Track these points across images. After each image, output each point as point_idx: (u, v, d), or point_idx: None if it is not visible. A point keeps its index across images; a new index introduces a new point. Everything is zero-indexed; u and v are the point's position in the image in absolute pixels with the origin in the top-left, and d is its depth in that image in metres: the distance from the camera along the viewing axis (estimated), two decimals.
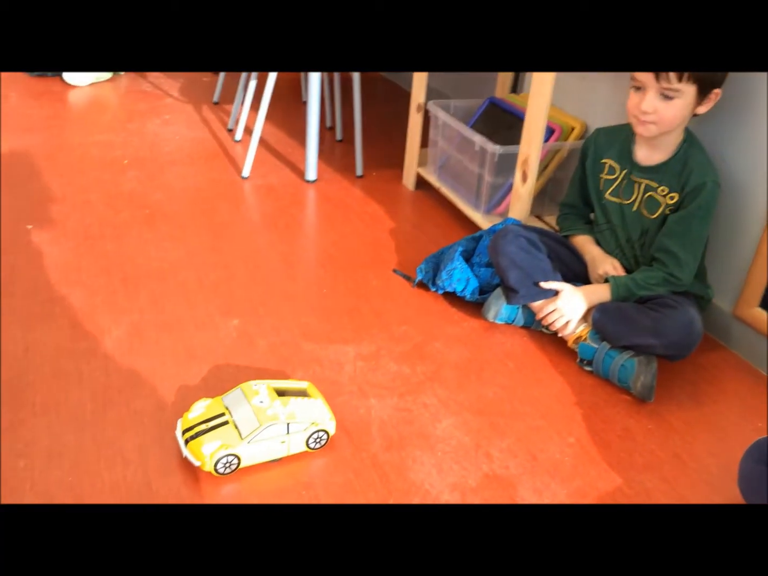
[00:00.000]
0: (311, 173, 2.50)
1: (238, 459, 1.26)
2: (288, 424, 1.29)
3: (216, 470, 1.25)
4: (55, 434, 1.32)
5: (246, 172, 2.49)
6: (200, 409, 1.33)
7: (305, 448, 1.33)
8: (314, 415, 1.33)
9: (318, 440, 1.33)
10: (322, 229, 2.25)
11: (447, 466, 1.34)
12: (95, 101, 3.12)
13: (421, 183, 2.49)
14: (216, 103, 3.26)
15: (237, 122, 2.85)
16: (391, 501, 1.25)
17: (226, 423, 1.29)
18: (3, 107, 2.90)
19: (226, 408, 1.32)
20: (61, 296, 1.71)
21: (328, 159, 2.69)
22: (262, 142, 2.78)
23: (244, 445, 1.26)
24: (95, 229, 2.03)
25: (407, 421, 1.44)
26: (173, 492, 1.22)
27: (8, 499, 1.17)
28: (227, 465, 1.25)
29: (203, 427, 1.28)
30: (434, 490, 1.28)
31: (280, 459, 1.31)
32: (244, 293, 1.82)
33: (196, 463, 1.24)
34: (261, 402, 1.31)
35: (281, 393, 1.36)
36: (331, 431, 1.35)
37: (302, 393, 1.39)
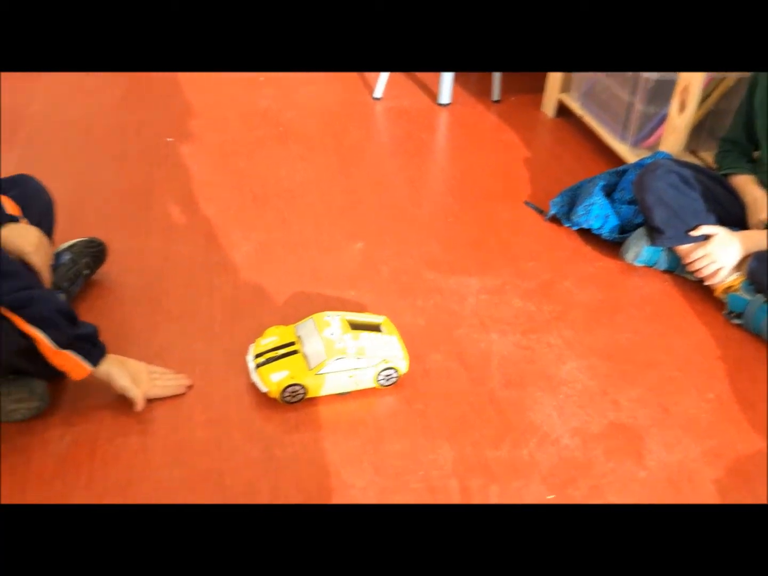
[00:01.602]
0: (445, 96, 2.40)
1: (305, 389, 1.25)
2: (356, 358, 1.25)
3: (283, 398, 1.24)
4: (187, 341, 1.37)
5: (378, 92, 2.42)
6: (273, 336, 1.32)
7: (374, 385, 1.29)
8: (386, 351, 1.29)
9: (388, 377, 1.29)
10: (452, 155, 2.17)
11: (569, 410, 1.28)
12: None
13: (563, 110, 2.33)
14: None
15: None
16: (508, 439, 1.21)
17: (295, 353, 1.27)
18: None
19: (298, 337, 1.30)
20: (197, 209, 1.77)
21: (463, 82, 2.56)
22: None
23: (312, 377, 1.24)
24: (230, 146, 2.06)
25: (529, 360, 1.38)
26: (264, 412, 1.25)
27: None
28: (294, 394, 1.24)
29: (273, 354, 1.28)
30: (554, 433, 1.23)
31: (349, 393, 1.28)
32: (370, 218, 1.79)
33: (264, 390, 1.25)
34: (332, 334, 1.28)
35: (355, 326, 1.31)
36: (403, 369, 1.30)
37: (377, 328, 1.34)
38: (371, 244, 1.69)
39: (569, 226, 1.75)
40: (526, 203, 1.87)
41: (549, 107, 2.36)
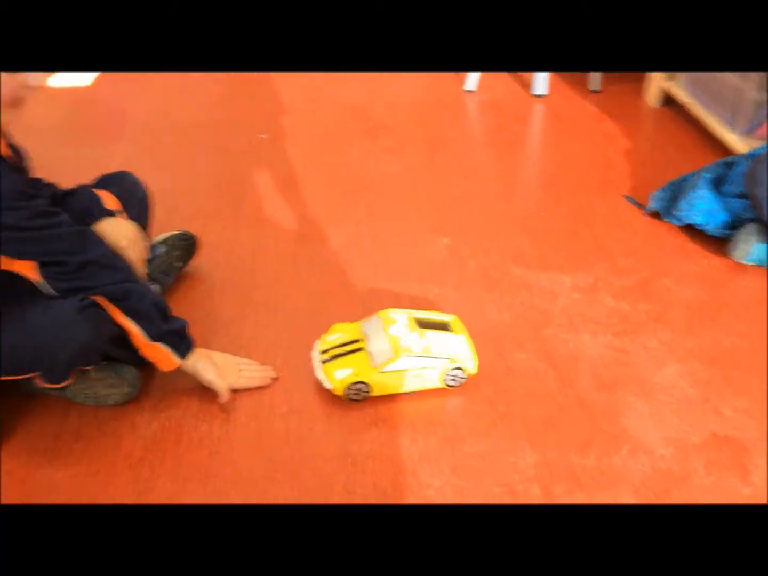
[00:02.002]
0: (540, 87, 2.32)
1: (370, 387, 1.22)
2: (422, 357, 1.21)
3: (347, 396, 1.22)
4: (273, 333, 1.39)
5: (471, 85, 2.37)
6: (338, 333, 1.30)
7: (441, 385, 1.24)
8: (453, 351, 1.24)
9: (455, 378, 1.24)
10: (546, 147, 2.10)
11: (666, 418, 1.20)
12: None
13: (667, 100, 2.20)
14: None
15: None
16: (596, 445, 1.15)
17: (360, 350, 1.25)
18: None
19: (364, 334, 1.28)
20: (287, 204, 1.79)
21: (560, 73, 2.47)
22: None
23: (377, 375, 1.21)
24: (321, 141, 2.08)
25: (622, 363, 1.31)
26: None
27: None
28: (358, 392, 1.22)
29: (338, 351, 1.25)
30: (647, 441, 1.15)
31: (415, 391, 1.24)
32: (458, 211, 1.75)
33: (328, 386, 1.23)
34: (398, 332, 1.24)
35: (423, 324, 1.27)
36: (471, 370, 1.24)
37: (445, 326, 1.29)
38: (458, 239, 1.65)
39: (671, 222, 1.65)
40: (625, 197, 1.78)
41: (652, 96, 2.24)
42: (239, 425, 1.20)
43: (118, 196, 1.36)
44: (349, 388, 1.21)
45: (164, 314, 1.18)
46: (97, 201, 1.30)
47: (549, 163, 1.98)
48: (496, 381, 1.27)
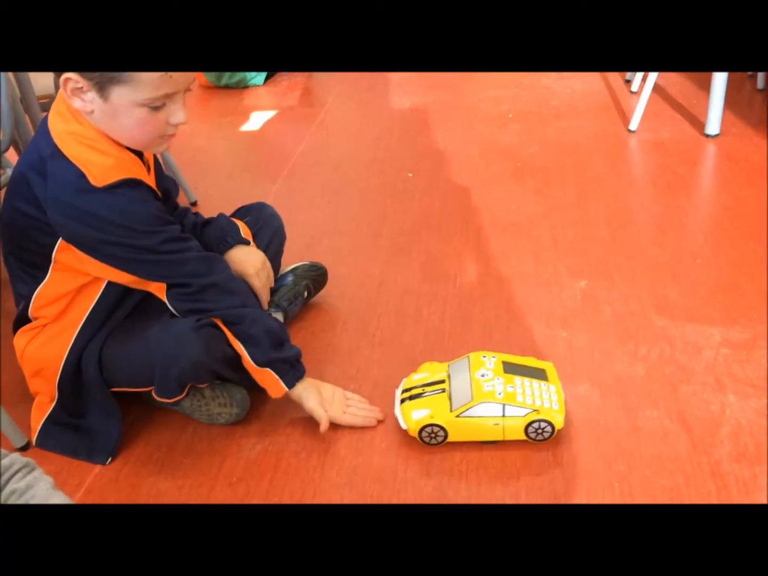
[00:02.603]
0: (713, 126, 2.13)
1: (445, 432, 1.14)
2: (504, 405, 1.11)
3: (421, 439, 1.15)
4: (384, 367, 1.37)
5: (633, 125, 2.24)
6: (426, 372, 1.23)
7: (523, 437, 1.13)
8: (539, 401, 1.12)
9: (539, 431, 1.12)
10: (713, 191, 1.90)
11: None
12: None
13: None
14: None
15: (638, 72, 2.59)
16: None
17: (442, 391, 1.17)
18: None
19: (448, 375, 1.20)
20: (418, 240, 1.78)
21: (740, 111, 2.26)
22: (661, 91, 2.47)
23: (453, 419, 1.13)
24: (465, 180, 2.06)
25: None
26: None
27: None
28: (432, 435, 1.14)
29: (420, 390, 1.19)
30: None
31: (496, 443, 1.15)
32: (600, 254, 1.63)
33: (403, 426, 1.16)
34: (483, 375, 1.15)
35: (512, 369, 1.17)
36: (558, 424, 1.12)
37: (538, 374, 1.18)
38: (596, 283, 1.53)
39: None
40: None
41: None
42: (337, 457, 1.18)
43: (252, 226, 1.44)
44: (422, 431, 1.15)
45: (277, 341, 1.20)
46: (232, 229, 1.38)
47: (713, 208, 1.79)
48: (618, 439, 1.14)
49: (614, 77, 2.74)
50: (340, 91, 2.94)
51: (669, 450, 1.11)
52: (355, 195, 2.06)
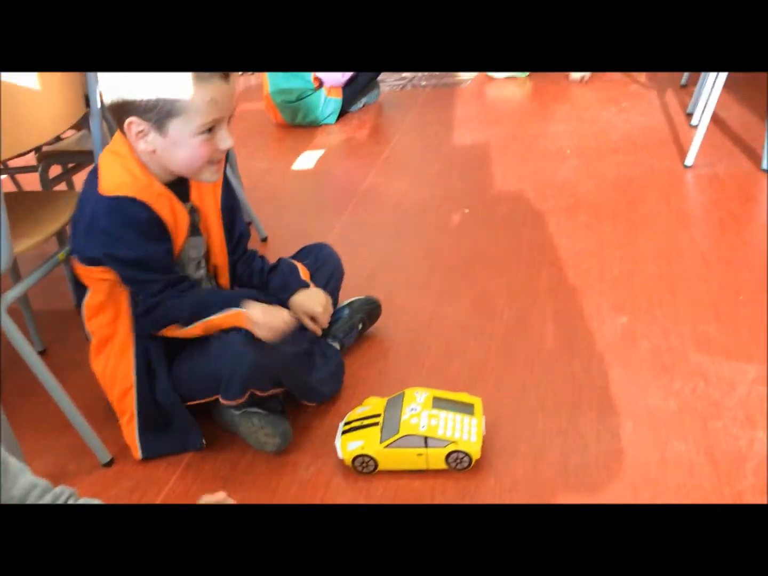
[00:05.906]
0: None
1: (375, 462, 1.26)
2: (426, 437, 1.23)
3: (354, 467, 1.27)
4: None
5: (690, 160, 2.27)
6: (368, 405, 1.36)
7: (444, 466, 1.24)
8: (458, 434, 1.23)
9: (458, 461, 1.23)
10: (765, 227, 1.91)
11: None
12: (555, 94, 3.24)
13: None
14: (683, 86, 3.04)
15: (699, 105, 2.61)
16: None
17: (376, 424, 1.29)
18: (480, 103, 3.27)
19: (384, 409, 1.32)
20: (470, 275, 1.88)
21: None
22: (722, 124, 2.49)
23: (383, 450, 1.25)
24: (519, 216, 2.15)
25: None
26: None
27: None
28: (364, 465, 1.27)
29: (359, 423, 1.31)
30: None
31: (422, 471, 1.26)
32: (645, 290, 1.69)
33: (340, 456, 1.29)
34: (412, 410, 1.27)
35: (441, 404, 1.29)
36: (475, 455, 1.23)
37: (464, 409, 1.29)
38: (637, 318, 1.59)
39: None
40: None
41: None
42: (379, 483, 1.29)
43: (311, 266, 1.57)
44: (355, 460, 1.28)
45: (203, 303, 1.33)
46: (294, 274, 1.52)
47: (763, 244, 1.80)
48: (644, 469, 1.21)
49: (675, 110, 2.76)
50: (407, 127, 3.09)
51: (692, 481, 1.17)
52: (412, 231, 2.18)
